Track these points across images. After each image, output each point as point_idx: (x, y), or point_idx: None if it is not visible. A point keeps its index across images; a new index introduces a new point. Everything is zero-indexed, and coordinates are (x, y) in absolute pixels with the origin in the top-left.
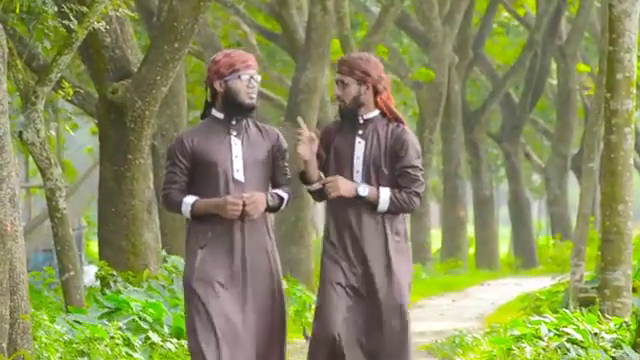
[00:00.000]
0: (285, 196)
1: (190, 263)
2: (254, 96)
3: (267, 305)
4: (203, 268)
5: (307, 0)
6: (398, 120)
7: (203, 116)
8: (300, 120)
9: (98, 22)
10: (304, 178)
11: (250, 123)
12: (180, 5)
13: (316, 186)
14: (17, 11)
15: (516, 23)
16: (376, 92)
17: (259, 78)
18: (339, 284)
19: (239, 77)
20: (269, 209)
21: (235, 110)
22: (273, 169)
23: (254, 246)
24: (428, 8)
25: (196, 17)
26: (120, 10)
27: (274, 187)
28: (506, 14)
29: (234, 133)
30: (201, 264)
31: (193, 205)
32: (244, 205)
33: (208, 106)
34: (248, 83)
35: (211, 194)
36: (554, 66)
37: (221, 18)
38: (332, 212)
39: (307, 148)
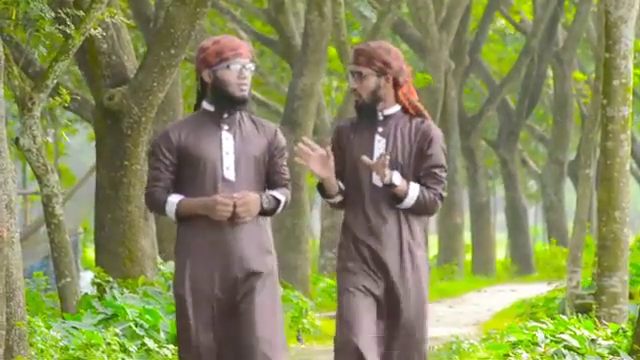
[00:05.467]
0: (282, 198)
1: (179, 271)
2: (246, 87)
3: (265, 313)
4: (192, 276)
5: (304, 6)
6: (422, 115)
7: (195, 108)
8: (307, 140)
9: (95, 29)
10: (324, 192)
11: (245, 117)
12: (177, 11)
13: (338, 198)
14: (13, 17)
15: (512, 30)
16: (396, 85)
17: (252, 67)
18: (358, 289)
19: (228, 67)
20: (264, 212)
21: (226, 102)
22: (269, 168)
23: (250, 252)
24: (424, 14)
25: (193, 23)
26: (116, 17)
27: (270, 188)
28: (502, 22)
29: (225, 127)
30: (191, 272)
31: (178, 205)
32: (235, 206)
33: (199, 97)
34: (239, 73)
35: (198, 193)
36: (550, 72)
37: (218, 24)
38: (350, 213)
39: (319, 165)
